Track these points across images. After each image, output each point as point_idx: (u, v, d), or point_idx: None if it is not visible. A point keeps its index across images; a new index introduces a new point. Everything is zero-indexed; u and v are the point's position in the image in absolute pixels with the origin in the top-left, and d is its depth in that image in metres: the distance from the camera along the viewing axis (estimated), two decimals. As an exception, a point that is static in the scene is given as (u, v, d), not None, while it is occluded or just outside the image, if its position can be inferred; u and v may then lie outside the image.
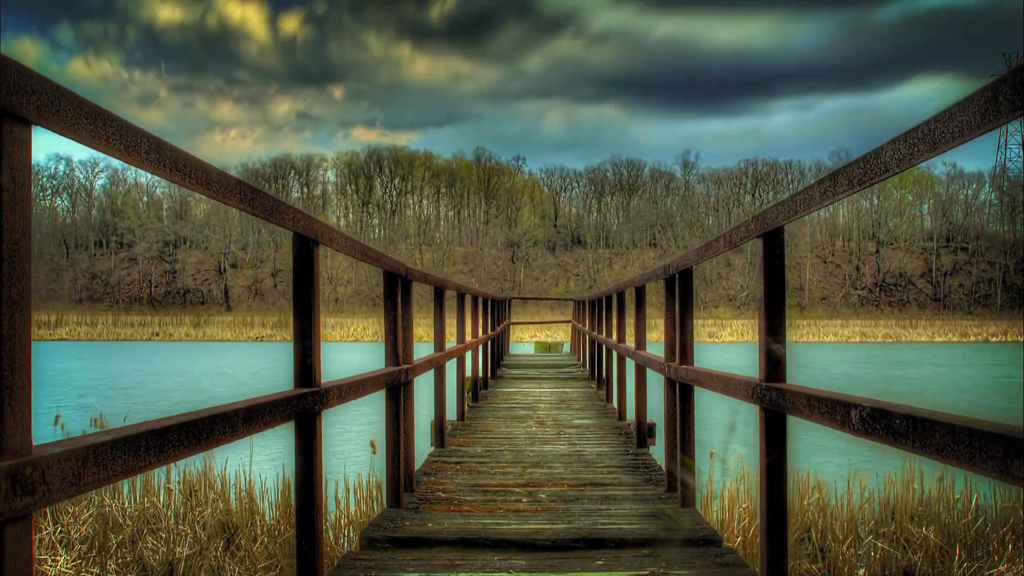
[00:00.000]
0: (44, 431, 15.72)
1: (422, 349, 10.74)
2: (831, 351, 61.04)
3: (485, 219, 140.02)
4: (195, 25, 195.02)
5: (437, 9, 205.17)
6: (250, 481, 11.08)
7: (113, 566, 9.08)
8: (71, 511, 10.31)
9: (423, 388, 12.23)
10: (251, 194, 3.98)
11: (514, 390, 18.23)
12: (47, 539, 9.50)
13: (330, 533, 10.05)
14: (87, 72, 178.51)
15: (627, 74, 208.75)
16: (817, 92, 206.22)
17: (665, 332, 7.99)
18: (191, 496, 11.09)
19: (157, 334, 78.74)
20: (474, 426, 12.94)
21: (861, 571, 9.45)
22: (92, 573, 8.92)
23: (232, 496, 11.12)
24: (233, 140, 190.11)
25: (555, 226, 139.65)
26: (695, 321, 14.31)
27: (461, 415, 13.60)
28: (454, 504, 7.88)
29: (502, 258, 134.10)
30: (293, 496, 8.86)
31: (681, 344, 7.60)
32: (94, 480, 2.53)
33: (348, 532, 10.42)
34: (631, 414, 13.34)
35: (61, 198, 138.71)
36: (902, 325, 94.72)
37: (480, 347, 17.19)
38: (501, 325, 24.41)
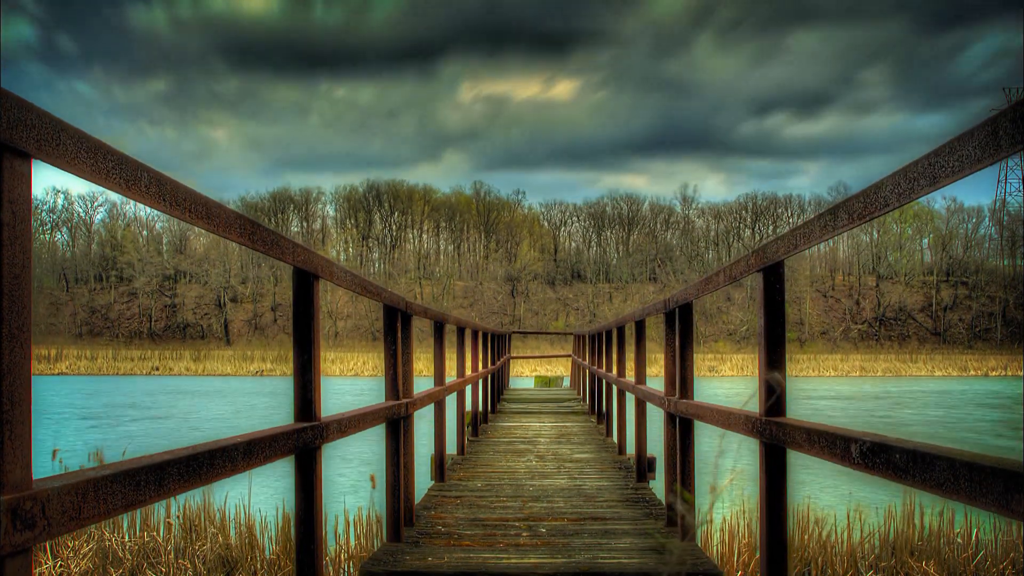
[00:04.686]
0: (43, 465, 15.68)
1: (422, 383, 10.74)
2: (830, 385, 60.99)
3: (485, 253, 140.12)
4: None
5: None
6: (250, 515, 11.05)
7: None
8: (71, 545, 10.28)
9: (423, 422, 12.21)
10: (251, 228, 3.99)
11: (514, 424, 18.20)
12: (47, 573, 9.47)
13: (330, 568, 10.02)
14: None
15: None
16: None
17: (665, 366, 7.98)
18: (191, 530, 11.05)
19: (157, 368, 78.57)
20: (474, 460, 12.91)
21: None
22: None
23: (232, 531, 11.08)
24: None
25: (555, 260, 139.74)
26: (695, 355, 14.29)
27: (461, 449, 13.58)
28: (454, 538, 7.86)
29: (502, 292, 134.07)
30: (293, 530, 8.83)
31: (681, 378, 7.59)
32: (94, 514, 2.53)
33: (348, 567, 10.38)
34: (631, 448, 13.32)
35: (60, 232, 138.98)
36: (902, 359, 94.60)
37: (480, 381, 17.17)
38: (501, 359, 24.39)
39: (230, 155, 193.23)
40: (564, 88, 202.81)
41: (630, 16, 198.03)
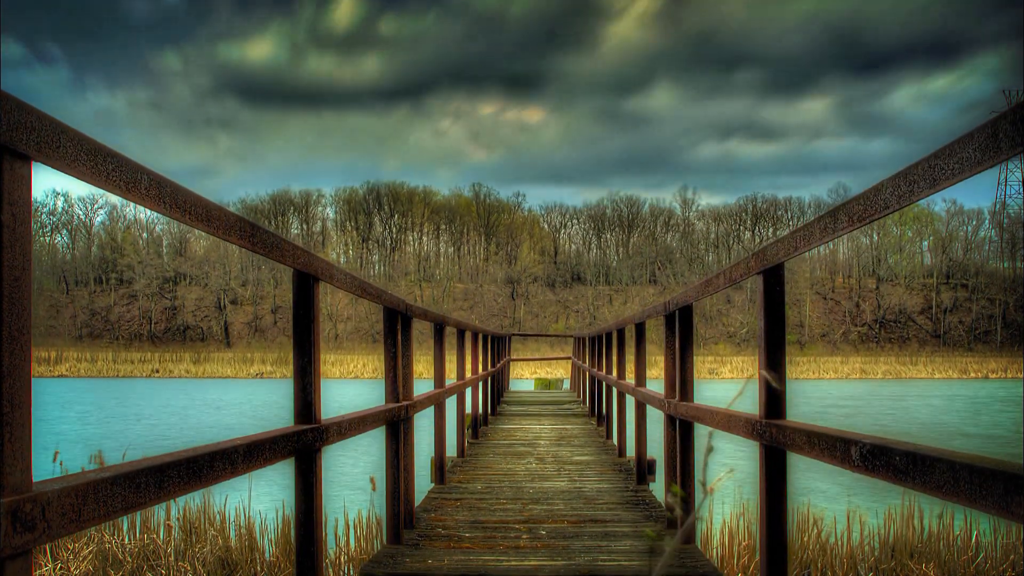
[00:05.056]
0: (43, 468, 15.67)
1: (422, 386, 10.73)
2: (829, 388, 60.94)
3: (485, 256, 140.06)
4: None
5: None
6: (250, 518, 11.04)
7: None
8: (71, 547, 10.27)
9: (423, 424, 12.20)
10: (251, 230, 3.99)
11: (514, 426, 18.19)
12: (46, 576, 9.46)
13: (330, 570, 10.01)
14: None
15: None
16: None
17: (665, 369, 7.98)
18: (191, 533, 11.04)
19: (157, 371, 78.59)
20: (474, 462, 12.90)
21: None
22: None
23: (232, 533, 11.06)
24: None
25: (555, 263, 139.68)
26: (695, 358, 14.29)
27: (461, 451, 13.56)
28: (454, 541, 7.85)
29: (502, 295, 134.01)
30: (293, 533, 8.83)
31: (681, 381, 7.59)
32: (94, 516, 2.53)
33: (348, 569, 10.38)
34: (631, 451, 13.31)
35: (60, 234, 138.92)
36: (902, 362, 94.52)
37: (480, 383, 17.16)
38: (501, 362, 24.37)
39: (231, 171, 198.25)
40: (534, 116, 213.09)
41: (588, 62, 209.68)
